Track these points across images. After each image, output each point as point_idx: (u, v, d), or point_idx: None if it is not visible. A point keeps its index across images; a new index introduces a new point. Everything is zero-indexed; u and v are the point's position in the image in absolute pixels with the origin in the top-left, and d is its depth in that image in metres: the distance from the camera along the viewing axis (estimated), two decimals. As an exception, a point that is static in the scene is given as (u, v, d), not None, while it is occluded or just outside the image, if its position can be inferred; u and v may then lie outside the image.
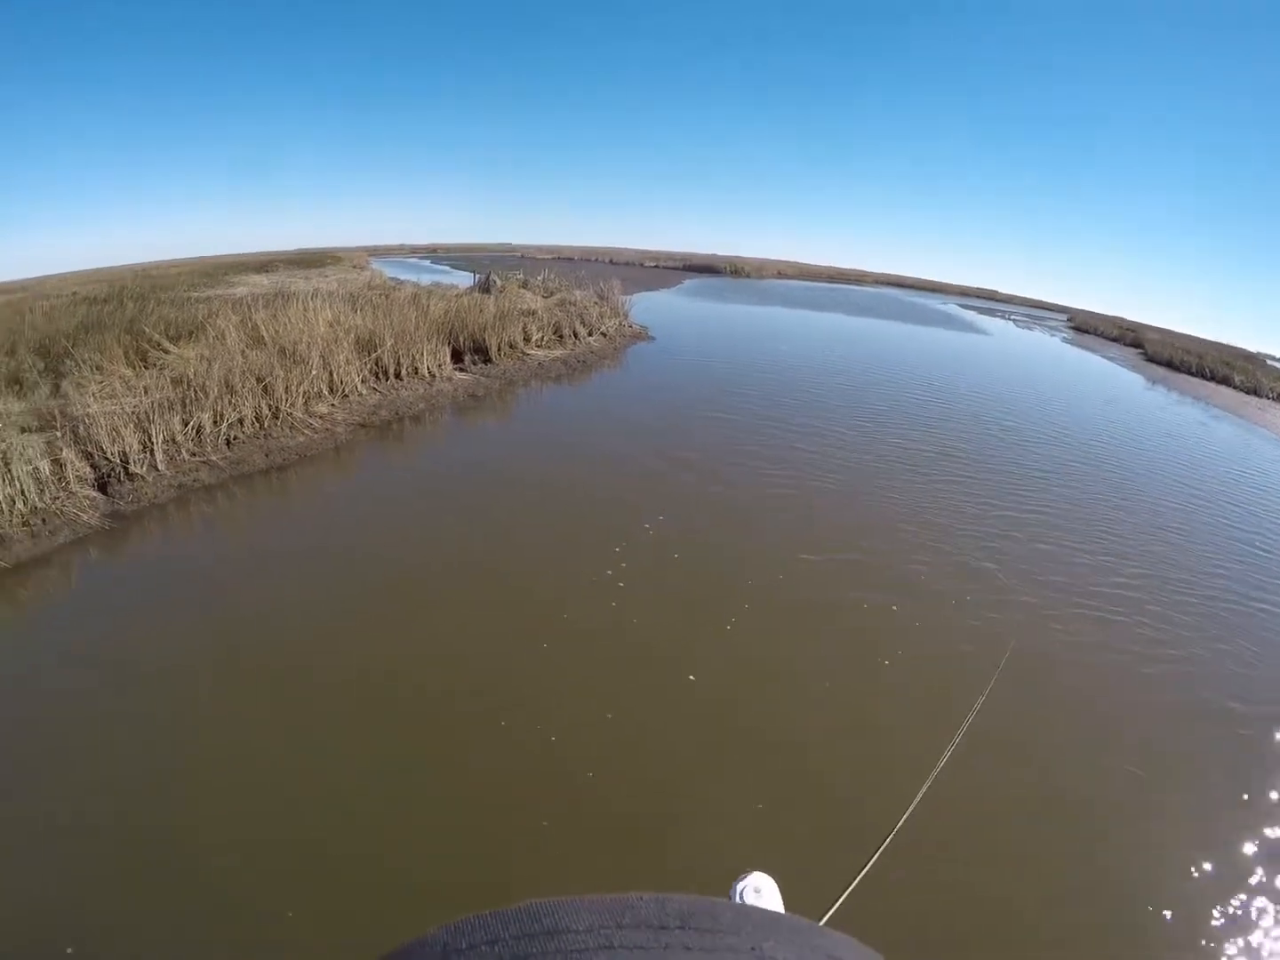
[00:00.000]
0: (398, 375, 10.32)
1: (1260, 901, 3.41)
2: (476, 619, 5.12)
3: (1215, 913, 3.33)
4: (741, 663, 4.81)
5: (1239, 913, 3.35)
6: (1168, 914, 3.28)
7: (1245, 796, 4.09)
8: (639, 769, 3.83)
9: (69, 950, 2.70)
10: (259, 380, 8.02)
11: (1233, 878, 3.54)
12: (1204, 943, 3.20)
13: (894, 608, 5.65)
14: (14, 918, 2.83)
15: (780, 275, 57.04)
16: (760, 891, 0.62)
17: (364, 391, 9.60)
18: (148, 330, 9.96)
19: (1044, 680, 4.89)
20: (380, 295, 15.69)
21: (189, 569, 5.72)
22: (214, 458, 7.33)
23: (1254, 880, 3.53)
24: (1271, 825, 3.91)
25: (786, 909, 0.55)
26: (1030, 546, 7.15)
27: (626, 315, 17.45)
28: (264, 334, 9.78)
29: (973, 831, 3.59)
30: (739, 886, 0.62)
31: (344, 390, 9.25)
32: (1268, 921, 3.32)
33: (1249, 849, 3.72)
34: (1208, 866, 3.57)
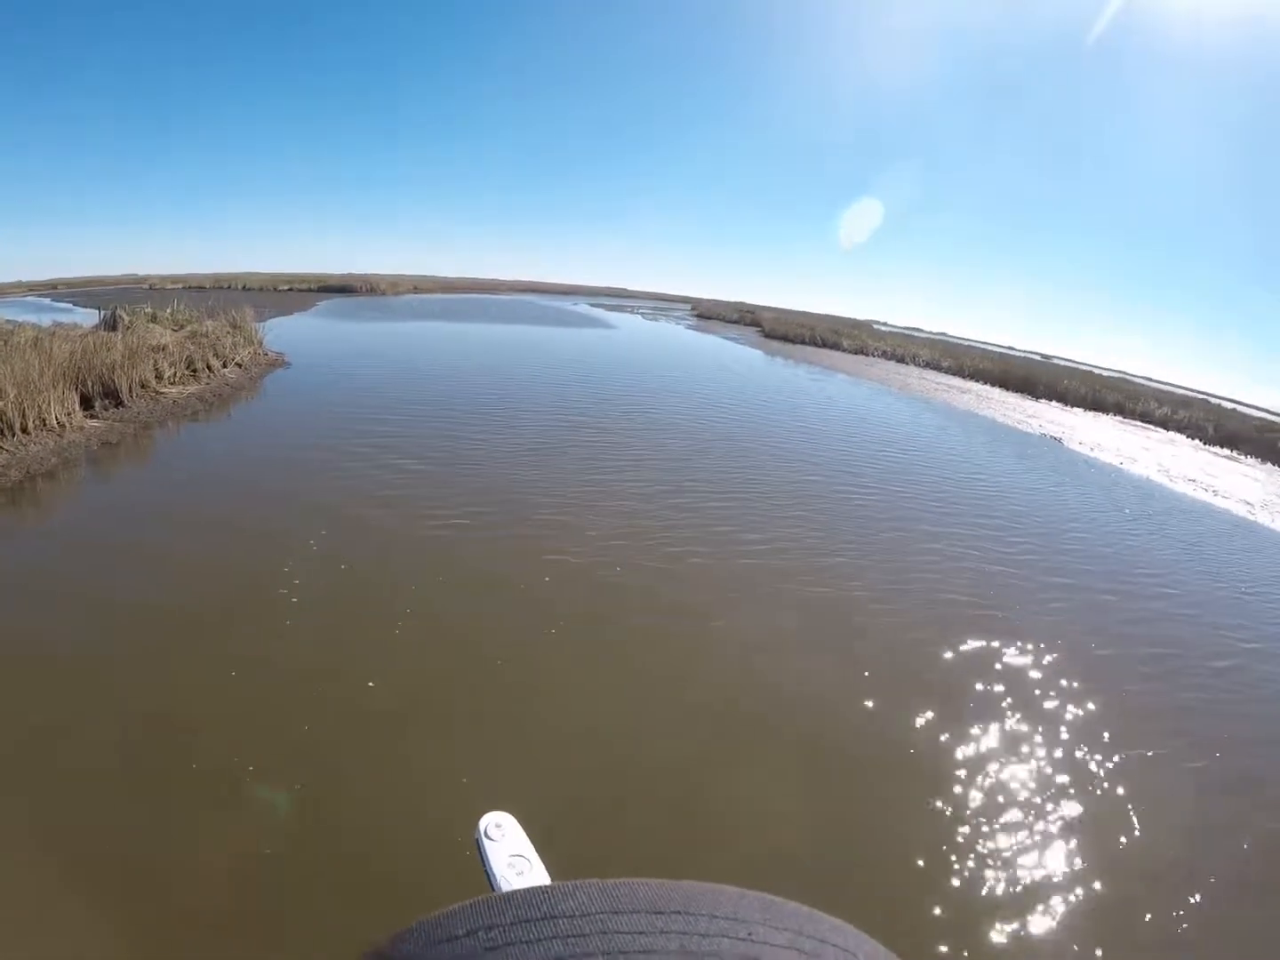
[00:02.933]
0: (24, 429, 10.71)
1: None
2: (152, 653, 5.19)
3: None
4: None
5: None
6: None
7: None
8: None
9: None
10: (-127, 451, 8.39)
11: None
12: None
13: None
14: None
15: (416, 290, 59.36)
16: (501, 826, 0.65)
17: (-11, 452, 9.95)
18: None
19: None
20: (-1, 341, 14.64)
21: None
22: None
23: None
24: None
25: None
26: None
27: (261, 342, 18.41)
28: None
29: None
30: (482, 824, 0.65)
31: (-33, 452, 9.69)
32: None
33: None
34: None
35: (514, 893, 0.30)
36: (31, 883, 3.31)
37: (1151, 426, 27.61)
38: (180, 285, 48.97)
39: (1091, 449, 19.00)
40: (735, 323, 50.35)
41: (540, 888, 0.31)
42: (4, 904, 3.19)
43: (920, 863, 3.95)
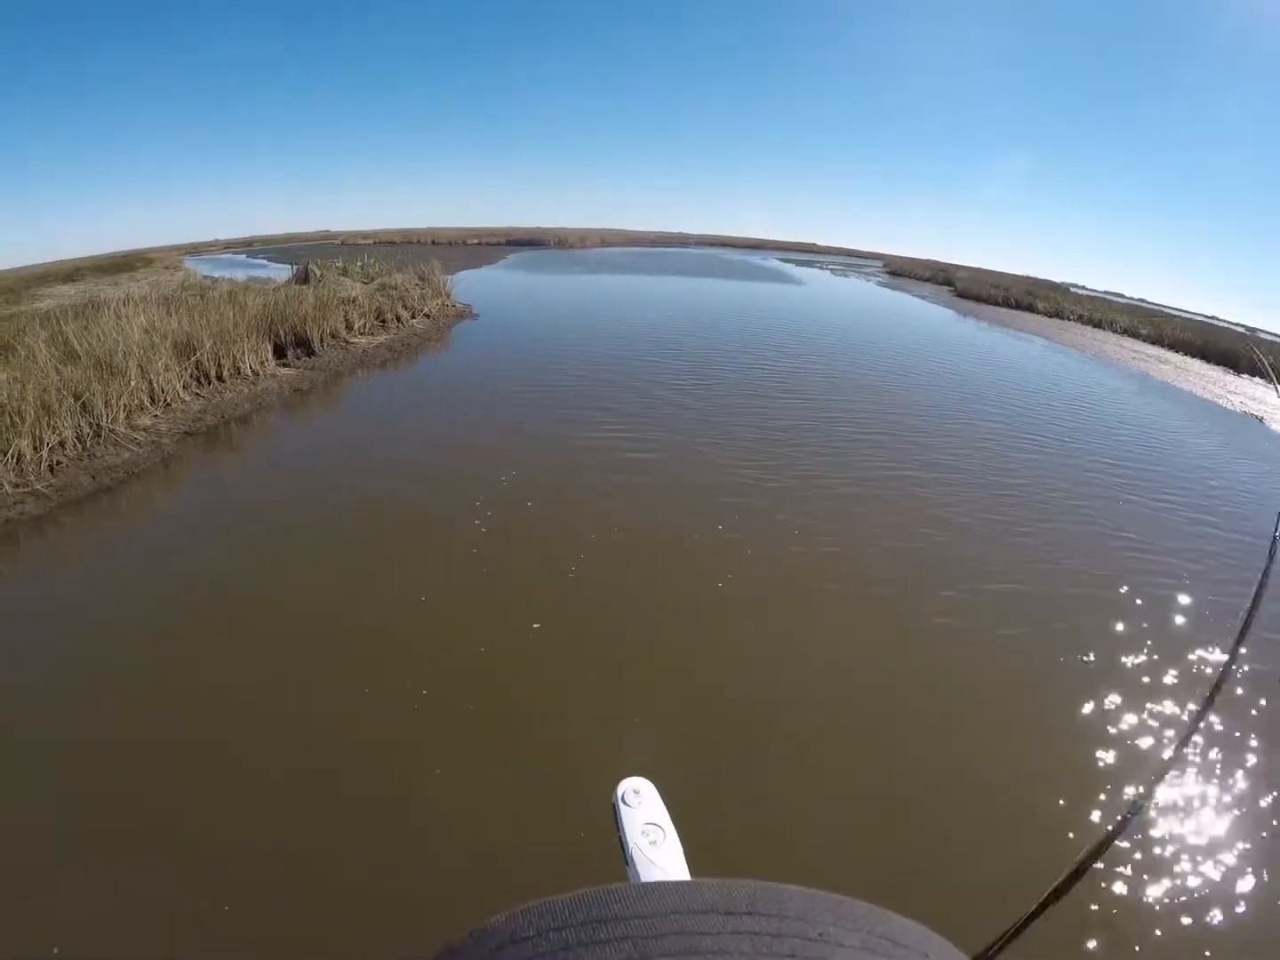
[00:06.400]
0: (219, 377, 10.39)
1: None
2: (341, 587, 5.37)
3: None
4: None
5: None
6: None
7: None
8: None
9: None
10: (77, 397, 8.00)
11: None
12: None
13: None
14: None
15: (604, 243, 58.94)
16: (640, 793, 0.63)
17: (186, 398, 9.66)
18: (-49, 356, 9.38)
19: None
20: (195, 295, 15.08)
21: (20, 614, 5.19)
22: (39, 486, 7.17)
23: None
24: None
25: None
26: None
27: (449, 295, 17.93)
28: (77, 347, 9.46)
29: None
30: (620, 790, 0.64)
31: (166, 399, 9.31)
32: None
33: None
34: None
35: (583, 893, 0.31)
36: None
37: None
38: (370, 241, 51.63)
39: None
40: (928, 280, 46.53)
41: (608, 888, 0.31)
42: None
43: None
